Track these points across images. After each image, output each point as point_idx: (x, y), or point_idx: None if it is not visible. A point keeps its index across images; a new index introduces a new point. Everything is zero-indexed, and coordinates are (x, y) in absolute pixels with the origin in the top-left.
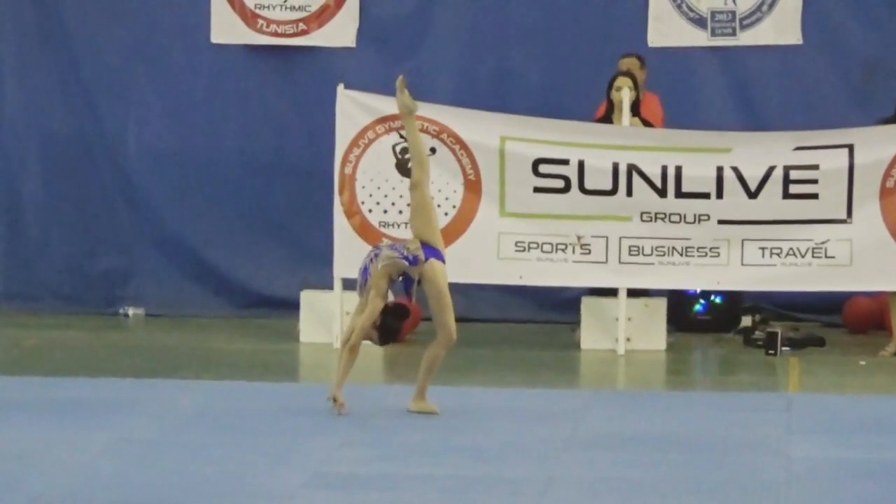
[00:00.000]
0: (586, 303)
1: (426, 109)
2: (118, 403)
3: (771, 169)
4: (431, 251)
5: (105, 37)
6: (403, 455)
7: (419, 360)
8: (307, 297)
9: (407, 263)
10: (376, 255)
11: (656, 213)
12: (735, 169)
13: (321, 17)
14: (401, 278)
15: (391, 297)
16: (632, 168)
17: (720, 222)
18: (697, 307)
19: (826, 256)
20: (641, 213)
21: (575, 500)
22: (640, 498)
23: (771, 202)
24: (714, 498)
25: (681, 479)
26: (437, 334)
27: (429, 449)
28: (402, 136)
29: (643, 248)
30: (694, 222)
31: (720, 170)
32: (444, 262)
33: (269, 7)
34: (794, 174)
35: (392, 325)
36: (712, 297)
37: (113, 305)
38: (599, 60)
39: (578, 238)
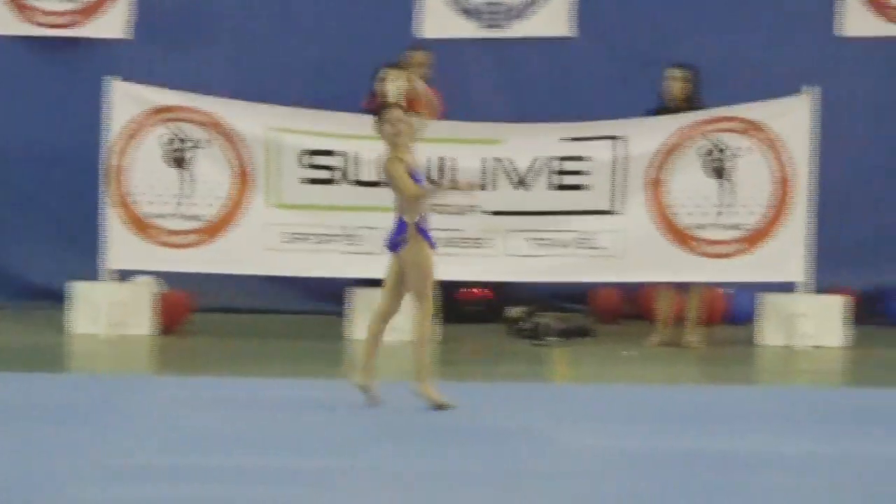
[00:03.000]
0: (355, 293)
1: (197, 101)
2: None
3: (540, 160)
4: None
5: None
6: (186, 446)
7: (189, 352)
8: (76, 288)
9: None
10: None
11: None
12: (505, 160)
13: (95, 8)
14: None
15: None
16: None
17: (490, 213)
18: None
19: (594, 247)
20: None
21: (354, 490)
22: (415, 487)
23: (540, 193)
24: (483, 487)
25: (450, 469)
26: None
27: (200, 440)
28: (173, 128)
29: None
30: (464, 213)
31: (490, 161)
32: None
33: None
34: (562, 165)
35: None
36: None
37: None
38: (371, 51)
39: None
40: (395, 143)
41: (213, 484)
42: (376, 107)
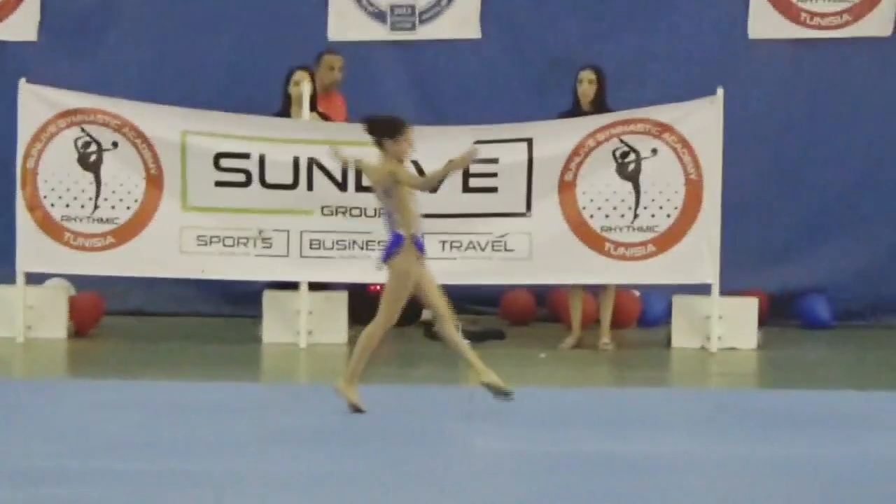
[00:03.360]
0: (268, 296)
1: (107, 104)
2: None
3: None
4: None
5: None
6: (89, 450)
7: (102, 355)
8: None
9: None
10: None
11: (337, 207)
12: (415, 163)
13: (4, 10)
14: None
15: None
16: (312, 162)
17: None
18: None
19: (506, 250)
20: (322, 207)
21: (260, 494)
22: (324, 491)
23: (451, 196)
24: (396, 489)
25: (363, 471)
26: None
27: (115, 444)
28: (83, 131)
29: (324, 241)
30: (374, 216)
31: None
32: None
33: None
34: (473, 168)
35: None
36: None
37: None
38: (281, 54)
39: (260, 232)
40: (402, 160)
41: (123, 486)
42: (388, 122)
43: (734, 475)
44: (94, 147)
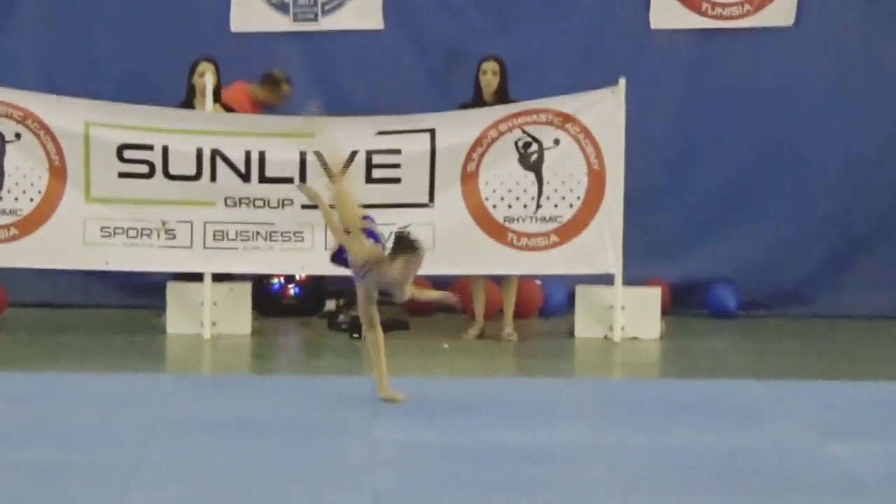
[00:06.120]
0: (172, 287)
1: (10, 95)
2: None
3: (353, 153)
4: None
5: None
6: None
7: (7, 348)
8: None
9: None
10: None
11: (240, 198)
12: (318, 154)
13: None
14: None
15: None
16: (215, 153)
17: (304, 207)
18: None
19: None
20: (226, 198)
21: (163, 483)
22: (228, 481)
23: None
24: (301, 480)
25: (268, 462)
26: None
27: (11, 435)
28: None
29: (228, 232)
30: (278, 207)
31: (303, 154)
32: None
33: None
34: (376, 159)
35: None
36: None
37: None
38: (183, 45)
39: (163, 223)
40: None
41: (27, 478)
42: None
43: (637, 464)
44: None
